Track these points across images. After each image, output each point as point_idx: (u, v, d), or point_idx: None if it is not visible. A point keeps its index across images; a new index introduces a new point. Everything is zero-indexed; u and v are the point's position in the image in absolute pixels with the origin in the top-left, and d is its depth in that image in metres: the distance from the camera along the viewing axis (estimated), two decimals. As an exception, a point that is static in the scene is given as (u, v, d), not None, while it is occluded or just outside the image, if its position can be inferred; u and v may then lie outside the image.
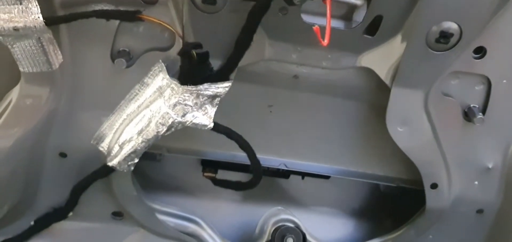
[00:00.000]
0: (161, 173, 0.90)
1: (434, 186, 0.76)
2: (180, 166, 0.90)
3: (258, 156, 0.70)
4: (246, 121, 0.75)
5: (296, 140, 0.80)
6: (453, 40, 0.61)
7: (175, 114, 0.64)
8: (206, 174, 0.86)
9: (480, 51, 0.65)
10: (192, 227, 0.87)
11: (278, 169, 0.82)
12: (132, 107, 0.67)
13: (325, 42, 0.52)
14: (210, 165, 0.86)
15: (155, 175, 0.90)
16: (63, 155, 0.73)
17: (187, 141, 0.78)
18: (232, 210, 0.93)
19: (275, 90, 0.74)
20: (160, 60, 0.63)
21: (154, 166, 0.89)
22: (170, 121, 0.64)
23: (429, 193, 0.76)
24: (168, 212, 0.86)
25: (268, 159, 0.79)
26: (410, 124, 0.70)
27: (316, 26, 0.54)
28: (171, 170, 0.91)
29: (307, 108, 0.76)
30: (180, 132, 0.66)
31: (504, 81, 0.68)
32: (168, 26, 0.63)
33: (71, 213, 0.79)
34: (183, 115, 0.64)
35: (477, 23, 0.60)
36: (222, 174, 0.85)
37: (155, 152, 0.81)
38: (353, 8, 0.64)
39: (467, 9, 0.58)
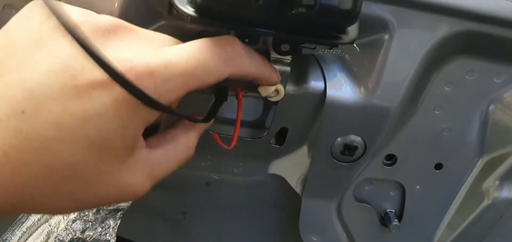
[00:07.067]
0: None
1: (356, 291, 0.73)
2: None
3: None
4: (159, 228, 0.71)
5: None
6: (358, 152, 0.60)
7: (74, 230, 0.60)
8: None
9: (391, 159, 0.65)
10: None
11: None
12: (31, 220, 0.63)
13: (230, 146, 0.49)
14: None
15: None
16: None
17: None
18: None
19: (188, 197, 0.71)
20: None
21: None
22: (69, 237, 0.60)
23: None
24: None
25: None
26: (324, 233, 0.68)
27: (215, 133, 0.52)
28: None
29: (222, 215, 0.74)
30: (89, 242, 0.62)
31: (417, 186, 0.67)
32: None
33: None
34: (83, 231, 0.61)
35: (380, 137, 0.59)
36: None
37: None
38: (263, 116, 0.64)
39: (368, 125, 0.57)
